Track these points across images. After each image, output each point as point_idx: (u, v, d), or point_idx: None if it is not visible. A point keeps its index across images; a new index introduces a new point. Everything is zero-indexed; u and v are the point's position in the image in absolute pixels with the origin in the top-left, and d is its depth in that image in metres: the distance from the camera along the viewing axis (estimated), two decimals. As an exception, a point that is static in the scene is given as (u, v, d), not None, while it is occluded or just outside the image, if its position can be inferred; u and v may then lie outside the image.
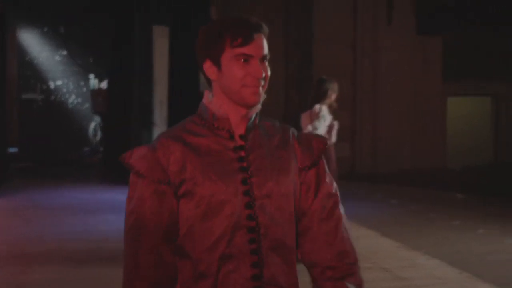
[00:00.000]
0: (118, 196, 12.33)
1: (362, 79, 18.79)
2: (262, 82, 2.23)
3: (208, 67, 2.25)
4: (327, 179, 2.39)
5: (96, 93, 20.92)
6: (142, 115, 17.17)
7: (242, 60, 2.20)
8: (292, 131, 2.41)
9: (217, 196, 2.19)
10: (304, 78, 17.86)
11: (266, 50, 2.24)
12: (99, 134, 21.63)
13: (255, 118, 2.31)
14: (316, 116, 8.07)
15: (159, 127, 21.12)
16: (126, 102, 16.03)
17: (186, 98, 16.81)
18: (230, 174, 2.22)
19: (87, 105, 22.04)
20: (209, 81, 2.30)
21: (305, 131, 7.60)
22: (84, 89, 22.38)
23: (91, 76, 21.79)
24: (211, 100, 2.29)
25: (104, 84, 20.27)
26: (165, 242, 2.20)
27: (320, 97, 8.17)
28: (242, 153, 2.26)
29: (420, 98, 19.03)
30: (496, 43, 18.31)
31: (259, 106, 2.28)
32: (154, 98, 18.66)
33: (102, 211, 11.69)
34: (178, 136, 2.25)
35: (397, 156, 18.52)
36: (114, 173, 15.48)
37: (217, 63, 2.23)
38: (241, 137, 2.27)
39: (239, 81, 2.20)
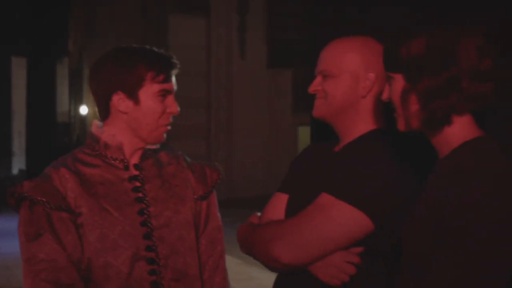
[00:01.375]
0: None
1: (217, 110, 19.59)
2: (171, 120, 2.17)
3: (120, 99, 2.10)
4: (217, 212, 2.34)
5: (-48, 123, 20.79)
6: (1, 144, 17.32)
7: (162, 96, 2.11)
8: (185, 158, 2.31)
9: (114, 228, 2.08)
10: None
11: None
12: (-45, 164, 21.44)
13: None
14: None
15: (17, 156, 21.23)
16: (-16, 132, 16.16)
17: (43, 128, 17.20)
18: (126, 205, 2.11)
19: None
20: (106, 111, 2.15)
21: None
22: None
23: None
24: (103, 130, 2.15)
25: (-39, 114, 20.17)
26: (71, 275, 2.03)
27: None
28: (137, 184, 2.15)
29: (273, 127, 19.96)
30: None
31: None
32: (12, 128, 18.87)
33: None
34: (71, 166, 2.11)
35: (252, 182, 19.21)
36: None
37: (133, 96, 2.09)
38: (135, 166, 2.17)
39: (157, 118, 2.11)
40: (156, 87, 2.09)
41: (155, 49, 2.16)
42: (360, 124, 2.15)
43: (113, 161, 2.14)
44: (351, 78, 2.13)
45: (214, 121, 19.55)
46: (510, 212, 1.60)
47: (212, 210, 2.31)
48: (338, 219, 1.98)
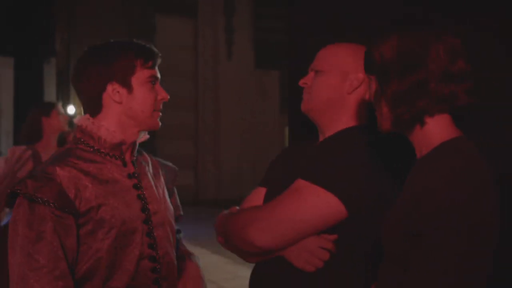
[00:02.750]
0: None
1: (204, 111, 19.64)
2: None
3: (114, 89, 2.08)
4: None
5: None
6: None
7: (152, 82, 2.12)
8: (150, 156, 2.34)
9: (128, 225, 2.05)
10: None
11: None
12: None
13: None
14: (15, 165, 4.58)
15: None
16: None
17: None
18: (132, 202, 2.09)
19: None
20: (98, 106, 2.11)
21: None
22: None
23: None
24: (98, 125, 2.11)
25: None
26: (66, 280, 1.94)
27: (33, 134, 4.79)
28: (136, 181, 2.14)
29: (259, 128, 20.02)
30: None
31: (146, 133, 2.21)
32: (0, 128, 18.84)
33: None
34: (75, 164, 2.04)
35: (239, 182, 19.28)
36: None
37: (127, 85, 2.08)
38: (132, 163, 2.17)
39: (152, 105, 2.11)
40: (146, 73, 2.10)
41: (138, 41, 2.17)
42: (342, 119, 2.23)
43: (112, 158, 2.12)
44: (339, 75, 2.22)
45: (201, 121, 19.59)
46: (485, 213, 1.64)
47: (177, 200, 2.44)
48: (310, 201, 2.03)
